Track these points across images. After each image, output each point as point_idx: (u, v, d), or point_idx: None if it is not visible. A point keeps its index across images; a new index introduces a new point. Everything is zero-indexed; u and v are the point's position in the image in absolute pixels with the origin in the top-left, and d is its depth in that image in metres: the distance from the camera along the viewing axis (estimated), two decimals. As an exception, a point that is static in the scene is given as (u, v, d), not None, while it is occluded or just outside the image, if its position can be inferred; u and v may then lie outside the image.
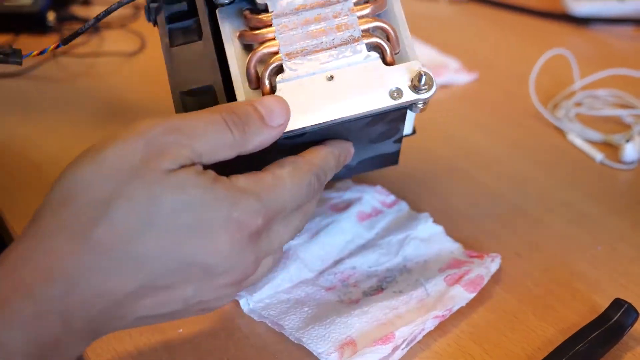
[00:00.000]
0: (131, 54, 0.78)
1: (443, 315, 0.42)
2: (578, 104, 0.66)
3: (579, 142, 0.61)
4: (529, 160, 0.59)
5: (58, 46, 0.42)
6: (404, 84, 0.39)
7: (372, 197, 0.52)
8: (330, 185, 0.54)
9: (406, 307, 0.43)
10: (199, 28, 0.42)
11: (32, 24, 0.80)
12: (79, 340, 0.32)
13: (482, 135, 0.63)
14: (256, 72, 0.40)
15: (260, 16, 0.41)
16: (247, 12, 0.41)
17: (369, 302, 0.43)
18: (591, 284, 0.46)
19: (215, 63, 0.41)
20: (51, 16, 0.81)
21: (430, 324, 0.42)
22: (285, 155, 0.38)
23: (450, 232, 0.49)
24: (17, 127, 0.65)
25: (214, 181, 0.34)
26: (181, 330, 0.43)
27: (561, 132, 0.63)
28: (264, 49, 0.40)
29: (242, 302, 0.44)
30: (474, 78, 0.73)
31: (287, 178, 0.36)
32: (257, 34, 0.40)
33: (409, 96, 0.39)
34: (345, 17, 0.40)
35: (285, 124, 0.37)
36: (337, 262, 0.47)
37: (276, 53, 0.40)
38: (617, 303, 0.42)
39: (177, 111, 0.40)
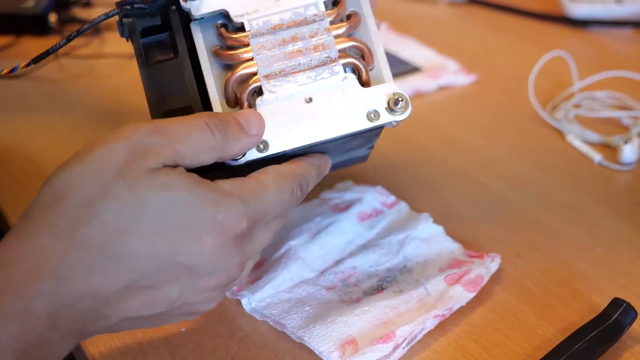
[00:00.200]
0: (131, 56, 0.77)
1: (443, 315, 0.42)
2: (577, 106, 0.66)
3: (577, 143, 0.61)
4: (528, 162, 0.60)
5: (29, 64, 0.42)
6: (381, 106, 0.40)
7: (373, 198, 0.52)
8: (330, 186, 0.55)
9: (406, 306, 0.43)
10: (174, 43, 0.41)
11: (34, 25, 0.80)
12: (65, 338, 0.33)
13: (482, 136, 0.64)
14: (234, 92, 0.40)
15: (236, 35, 0.41)
16: (222, 30, 0.41)
17: (370, 302, 0.44)
18: (590, 283, 0.46)
19: (193, 83, 0.41)
20: (53, 18, 0.82)
21: (430, 323, 0.42)
22: None
23: (450, 232, 0.50)
24: (18, 127, 0.66)
25: (198, 182, 0.34)
26: (184, 329, 0.43)
27: (560, 134, 0.63)
28: (242, 70, 0.40)
29: (244, 301, 0.44)
30: (473, 80, 0.73)
31: (271, 184, 0.37)
32: (234, 53, 0.40)
33: (385, 118, 0.40)
34: (322, 36, 0.41)
35: (261, 134, 0.39)
36: (338, 262, 0.47)
37: (254, 74, 0.40)
38: (616, 302, 0.42)
39: None
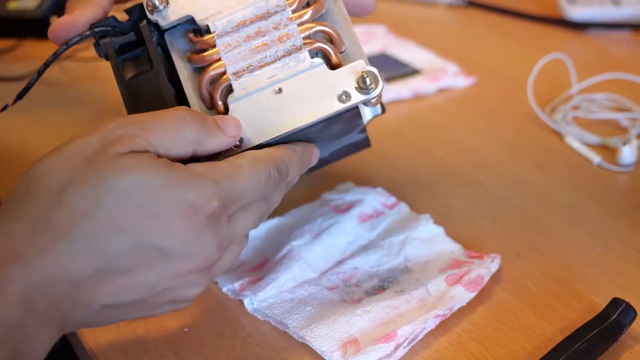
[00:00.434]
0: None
1: (444, 315, 0.43)
2: (575, 108, 0.67)
3: (576, 145, 0.62)
4: (527, 163, 0.60)
5: (15, 101, 0.44)
6: (351, 86, 0.40)
7: (373, 199, 0.53)
8: (331, 187, 0.55)
9: (408, 306, 0.44)
10: (148, 55, 0.42)
11: (36, 29, 0.80)
12: (43, 326, 0.33)
13: (481, 138, 0.64)
14: (209, 93, 0.41)
15: (204, 38, 0.41)
16: (191, 35, 0.42)
17: (371, 302, 0.44)
18: (590, 283, 0.46)
19: (169, 90, 0.41)
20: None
21: (431, 323, 0.42)
22: None
23: (451, 233, 0.50)
24: (20, 128, 0.66)
25: (167, 164, 0.34)
26: (187, 329, 0.43)
27: (559, 135, 0.63)
28: (211, 71, 0.41)
29: (246, 301, 0.44)
30: (472, 82, 0.73)
31: (245, 167, 0.37)
32: (203, 56, 0.41)
33: (356, 97, 0.40)
34: (285, 27, 0.41)
35: (237, 136, 0.39)
36: (340, 263, 0.48)
37: (224, 73, 0.40)
38: (615, 302, 0.42)
39: None
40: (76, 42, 0.42)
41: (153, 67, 0.41)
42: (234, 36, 0.41)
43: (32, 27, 0.81)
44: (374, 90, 0.39)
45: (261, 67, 0.40)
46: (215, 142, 0.38)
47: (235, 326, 0.44)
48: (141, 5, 0.42)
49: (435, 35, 0.85)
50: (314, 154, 0.43)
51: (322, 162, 0.50)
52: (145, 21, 0.42)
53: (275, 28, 0.41)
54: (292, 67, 0.40)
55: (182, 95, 0.42)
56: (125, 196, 0.33)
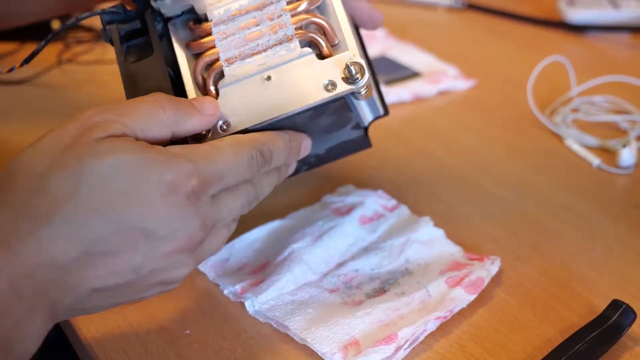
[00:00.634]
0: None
1: (444, 317, 0.43)
2: (575, 110, 0.67)
3: (576, 147, 0.62)
4: (527, 165, 0.60)
5: (22, 65, 0.45)
6: (337, 76, 0.40)
7: (374, 202, 0.53)
8: (332, 190, 0.55)
9: (408, 308, 0.44)
10: (150, 42, 0.43)
11: (37, 32, 0.80)
12: (32, 312, 0.33)
13: (481, 140, 0.64)
14: (203, 79, 0.42)
15: (202, 26, 0.43)
16: (191, 23, 0.43)
17: (372, 304, 0.44)
18: (589, 285, 0.47)
19: (166, 74, 0.42)
20: (55, 25, 0.82)
21: (432, 325, 0.42)
22: None
23: (451, 235, 0.50)
24: (23, 132, 0.66)
25: (144, 147, 0.35)
26: (188, 331, 0.44)
27: (559, 138, 0.64)
28: (206, 57, 0.42)
29: (247, 303, 0.44)
30: (472, 84, 0.74)
31: (225, 148, 0.38)
32: (200, 43, 0.42)
33: (342, 88, 0.40)
34: (279, 17, 0.42)
35: (215, 114, 0.40)
36: (340, 265, 0.48)
37: (218, 60, 0.42)
38: (615, 304, 0.42)
39: None
40: (86, 17, 0.44)
41: (153, 53, 0.43)
42: (229, 24, 0.42)
43: (34, 30, 0.81)
44: (360, 80, 0.40)
45: (252, 54, 0.41)
46: (194, 123, 0.38)
47: (236, 328, 0.44)
48: None
49: (435, 38, 0.86)
50: (305, 144, 0.43)
51: (320, 159, 0.50)
52: (150, 10, 0.44)
53: (269, 18, 0.42)
54: (282, 55, 0.41)
55: (181, 82, 0.43)
56: (105, 178, 0.33)
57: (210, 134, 0.40)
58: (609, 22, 0.85)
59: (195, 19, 0.44)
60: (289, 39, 0.41)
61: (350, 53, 0.41)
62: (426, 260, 0.48)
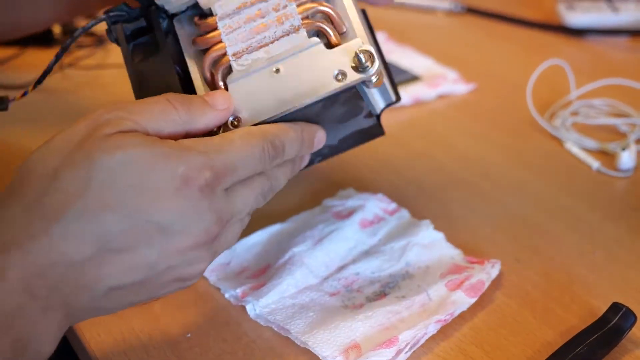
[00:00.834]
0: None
1: (445, 320, 0.43)
2: (574, 113, 0.67)
3: (575, 150, 0.62)
4: (527, 168, 0.60)
5: (34, 86, 0.45)
6: (347, 66, 0.39)
7: (374, 205, 0.53)
8: (332, 193, 0.56)
9: (409, 311, 0.44)
10: (156, 40, 0.43)
11: (38, 37, 0.81)
12: (47, 311, 0.33)
13: (481, 143, 0.65)
14: (212, 74, 0.41)
15: (207, 21, 0.42)
16: (196, 19, 0.43)
17: (373, 307, 0.44)
18: (589, 288, 0.47)
19: (174, 71, 0.42)
20: (57, 30, 0.82)
21: (432, 328, 0.42)
22: None
23: (451, 239, 0.50)
24: (24, 136, 0.66)
25: (155, 141, 0.35)
26: (190, 334, 0.44)
27: (558, 141, 0.64)
28: (213, 53, 0.41)
29: (248, 307, 0.45)
30: (472, 88, 0.74)
31: (237, 140, 0.37)
32: (206, 38, 0.42)
33: (353, 77, 0.39)
34: (285, 7, 0.41)
35: (229, 108, 0.39)
36: (341, 268, 0.48)
37: (225, 54, 0.41)
38: (615, 307, 0.43)
39: None
40: (92, 26, 0.43)
41: (159, 51, 0.42)
42: (234, 18, 0.42)
43: (34, 35, 0.81)
44: (370, 68, 0.39)
45: (260, 47, 0.41)
46: (207, 120, 0.38)
47: (237, 332, 0.44)
48: None
49: (435, 42, 0.86)
50: (318, 135, 0.42)
51: (333, 149, 0.50)
52: (154, 7, 0.43)
53: (275, 9, 0.41)
54: (290, 47, 0.40)
55: (189, 79, 0.42)
56: (115, 174, 0.33)
57: (221, 130, 0.39)
58: (608, 25, 0.85)
59: (201, 14, 0.43)
60: (296, 30, 0.40)
61: (359, 40, 0.40)
62: (426, 264, 0.48)
